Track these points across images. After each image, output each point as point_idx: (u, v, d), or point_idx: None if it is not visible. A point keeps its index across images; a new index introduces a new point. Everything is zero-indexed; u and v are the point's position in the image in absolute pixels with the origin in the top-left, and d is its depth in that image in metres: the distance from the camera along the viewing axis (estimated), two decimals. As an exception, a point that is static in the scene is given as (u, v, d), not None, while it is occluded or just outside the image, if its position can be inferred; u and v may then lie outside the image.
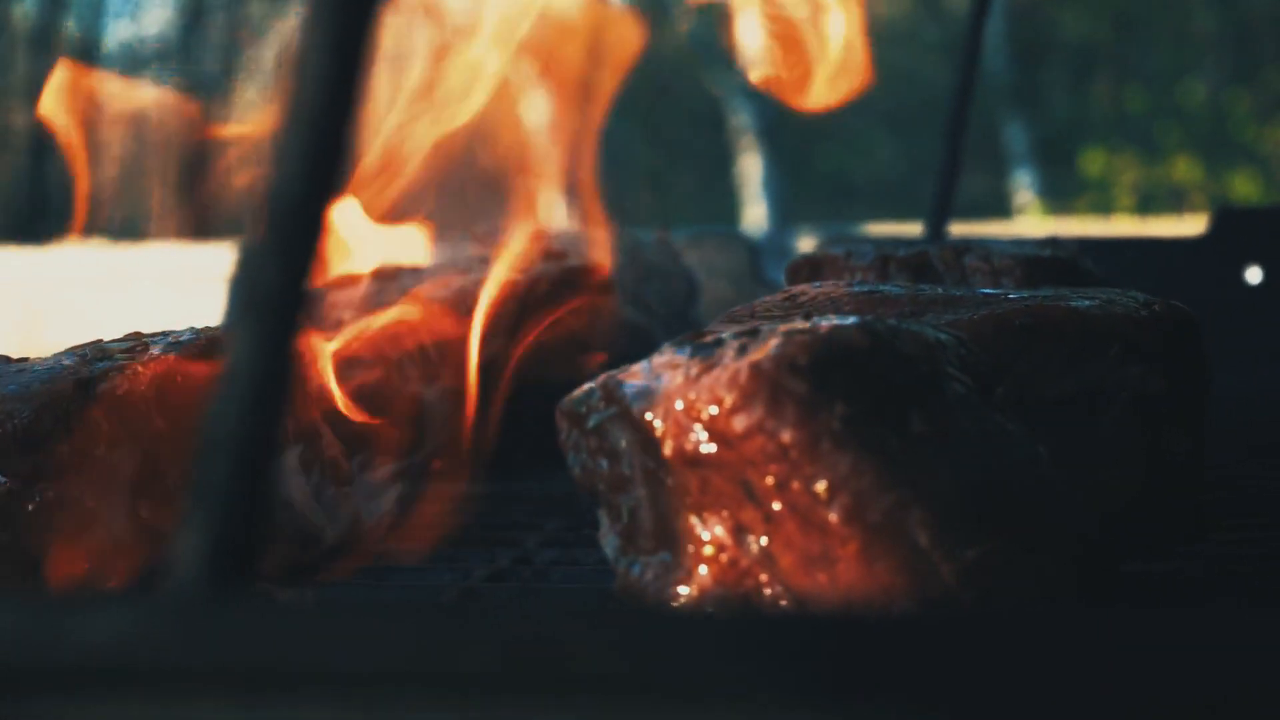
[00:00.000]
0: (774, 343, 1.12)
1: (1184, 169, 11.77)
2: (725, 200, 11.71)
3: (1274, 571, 1.35)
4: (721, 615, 0.61)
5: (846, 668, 0.60)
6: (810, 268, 1.80)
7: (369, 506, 1.54)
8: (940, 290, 1.51)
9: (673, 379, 1.13)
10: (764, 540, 1.11)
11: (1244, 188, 11.60)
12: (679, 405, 1.11)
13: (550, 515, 1.63)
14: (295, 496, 1.41)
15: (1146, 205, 11.42)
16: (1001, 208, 11.31)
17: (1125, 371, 1.43)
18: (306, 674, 0.64)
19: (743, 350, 1.12)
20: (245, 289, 0.68)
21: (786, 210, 11.18)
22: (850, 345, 1.13)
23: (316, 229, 0.68)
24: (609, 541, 1.18)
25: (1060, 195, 11.74)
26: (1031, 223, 8.92)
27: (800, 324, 1.17)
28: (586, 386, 1.18)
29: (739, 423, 1.09)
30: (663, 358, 1.17)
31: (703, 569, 1.13)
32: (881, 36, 12.87)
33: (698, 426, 1.10)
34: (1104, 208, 11.27)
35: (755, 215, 11.26)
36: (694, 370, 1.13)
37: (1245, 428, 1.98)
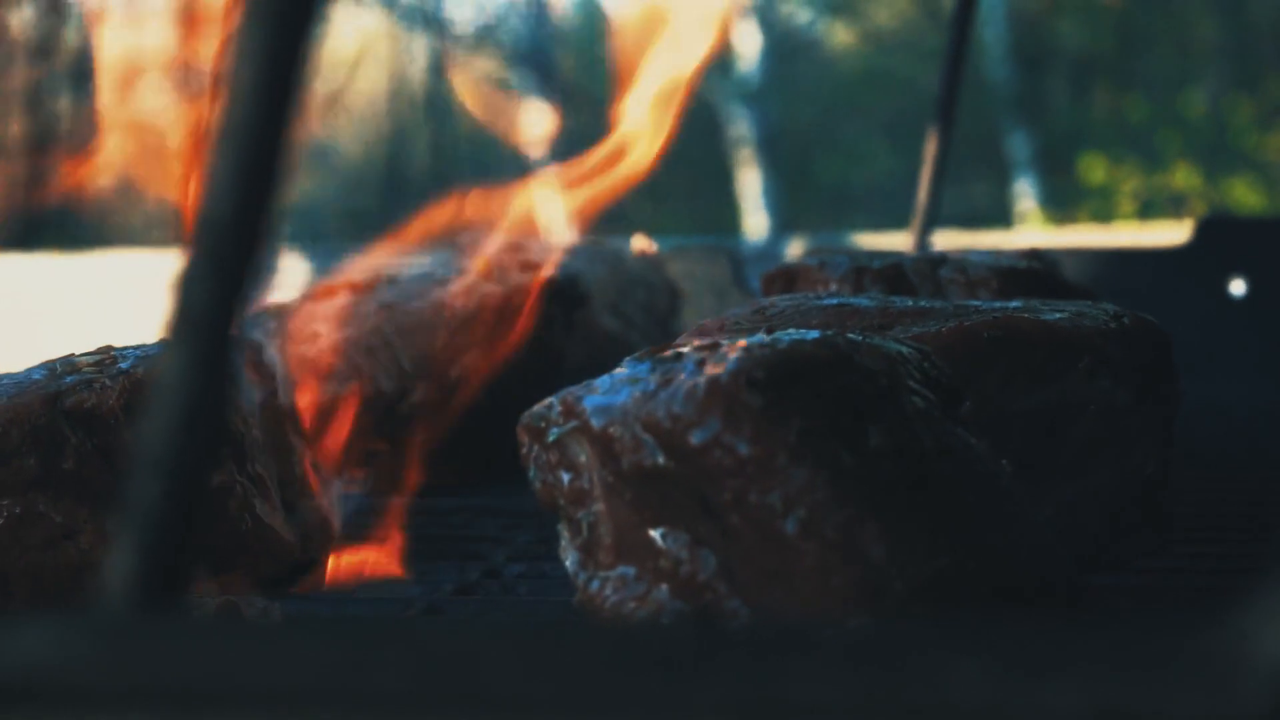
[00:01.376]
0: (732, 357, 1.12)
1: (1184, 177, 11.77)
2: (725, 209, 11.72)
3: (1225, 586, 1.35)
4: (649, 631, 0.61)
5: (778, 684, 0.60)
6: (785, 279, 1.80)
7: (341, 520, 1.54)
8: (911, 302, 1.51)
9: (631, 393, 1.13)
10: (722, 554, 1.11)
11: (1245, 196, 11.60)
12: (637, 420, 1.12)
13: (520, 529, 1.63)
14: (266, 510, 1.41)
15: (1148, 213, 11.41)
16: (1003, 216, 11.31)
17: (1094, 385, 1.43)
18: (226, 693, 0.64)
19: (701, 365, 1.13)
20: (177, 308, 0.69)
21: (785, 219, 11.19)
22: (809, 359, 1.13)
23: (250, 248, 0.68)
24: (569, 556, 1.18)
25: (1062, 204, 11.74)
26: (1032, 231, 8.91)
27: (760, 338, 1.17)
28: (547, 400, 1.19)
29: (696, 437, 1.09)
30: (623, 372, 1.17)
31: (661, 583, 1.13)
32: (880, 44, 12.89)
33: (655, 441, 1.11)
34: (1105, 216, 11.27)
35: (755, 224, 11.26)
36: (653, 384, 1.13)
37: (1222, 440, 1.98)
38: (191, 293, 0.68)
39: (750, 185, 11.57)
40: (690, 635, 0.62)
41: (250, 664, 0.64)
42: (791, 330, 1.20)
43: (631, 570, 1.15)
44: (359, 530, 1.55)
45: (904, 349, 1.23)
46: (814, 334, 1.17)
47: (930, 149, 2.40)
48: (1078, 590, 1.20)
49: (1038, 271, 1.76)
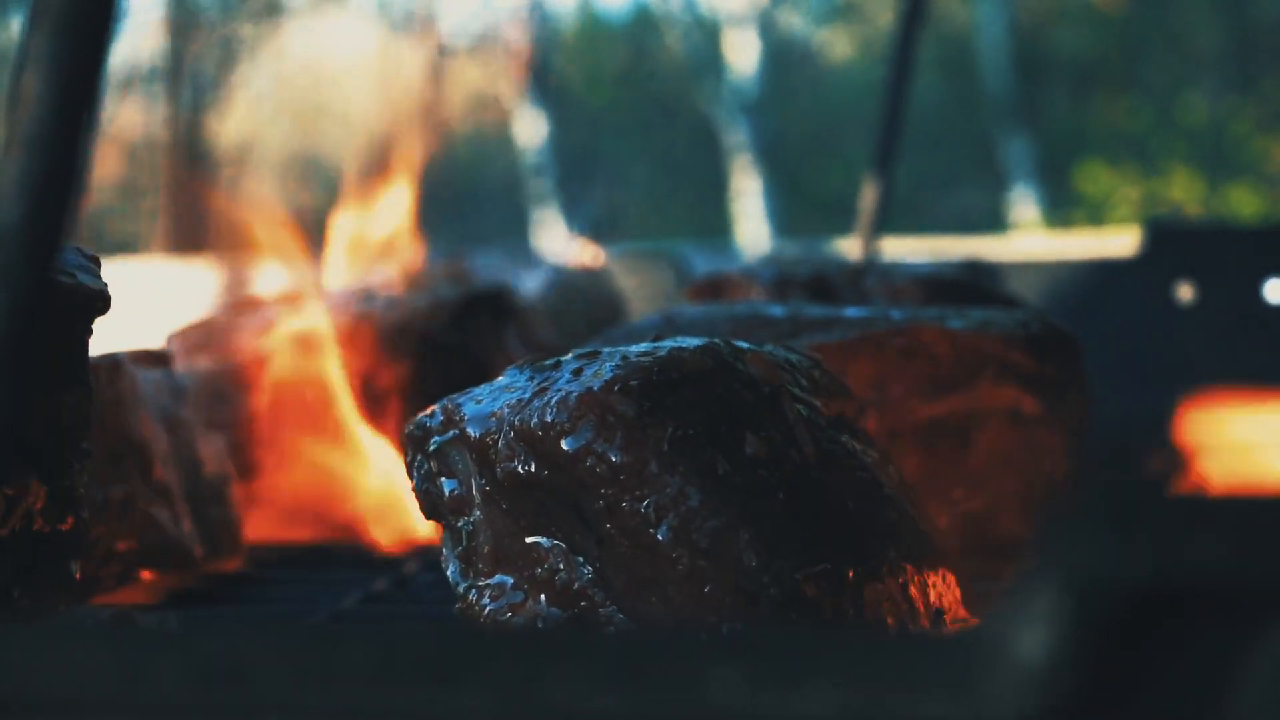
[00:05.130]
0: (608, 365, 1.12)
1: (1183, 184, 11.75)
2: (723, 217, 11.72)
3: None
4: (416, 637, 0.61)
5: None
6: (712, 289, 1.81)
7: (253, 529, 1.55)
8: (821, 311, 1.51)
9: (508, 401, 1.14)
10: (597, 562, 1.11)
11: (1244, 203, 11.58)
12: (511, 428, 1.12)
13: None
14: (170, 520, 1.42)
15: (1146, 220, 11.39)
16: (1000, 224, 11.30)
17: (998, 392, 1.43)
18: (11, 701, 0.64)
19: (578, 373, 1.13)
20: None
21: (783, 227, 11.19)
22: (687, 367, 1.13)
23: (41, 257, 0.69)
24: (450, 565, 1.18)
25: (1059, 210, 11.73)
26: (1030, 238, 8.91)
27: (641, 347, 1.17)
28: (430, 409, 1.19)
29: (567, 445, 1.09)
30: (504, 380, 1.18)
31: (539, 591, 1.14)
32: (876, 53, 12.89)
33: (528, 449, 1.11)
34: (1102, 222, 11.26)
35: (752, 232, 11.27)
36: (528, 393, 1.13)
37: (1159, 445, 1.98)
38: (-19, 303, 0.68)
39: (747, 193, 11.58)
40: (457, 640, 0.62)
41: (37, 673, 0.64)
42: (677, 338, 1.20)
43: (509, 579, 1.15)
44: (273, 539, 1.55)
45: (793, 357, 1.23)
46: (696, 341, 1.17)
47: (876, 158, 2.41)
48: (966, 594, 1.20)
49: (962, 281, 1.77)
